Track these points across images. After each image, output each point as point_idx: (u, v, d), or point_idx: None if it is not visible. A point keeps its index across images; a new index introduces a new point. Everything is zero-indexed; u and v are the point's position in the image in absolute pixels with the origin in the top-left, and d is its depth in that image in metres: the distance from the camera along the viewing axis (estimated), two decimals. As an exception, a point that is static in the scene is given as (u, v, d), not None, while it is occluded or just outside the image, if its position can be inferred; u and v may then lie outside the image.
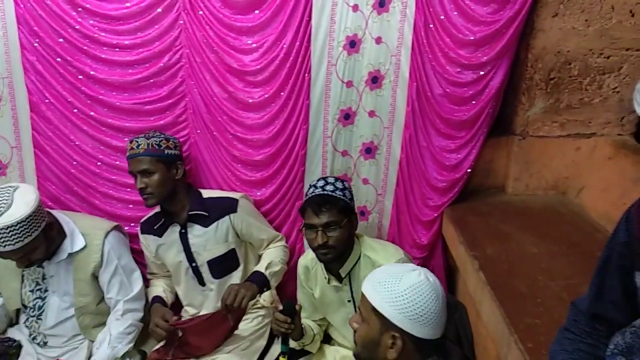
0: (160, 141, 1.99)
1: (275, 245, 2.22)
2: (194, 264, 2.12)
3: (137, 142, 1.97)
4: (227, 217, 2.07)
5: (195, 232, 2.08)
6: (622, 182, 1.87)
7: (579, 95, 2.05)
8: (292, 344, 1.91)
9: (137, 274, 2.13)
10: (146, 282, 2.23)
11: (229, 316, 1.93)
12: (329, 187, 1.77)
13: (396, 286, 1.22)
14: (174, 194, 2.04)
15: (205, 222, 2.07)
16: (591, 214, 1.99)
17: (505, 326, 1.37)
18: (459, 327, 1.88)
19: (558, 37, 1.97)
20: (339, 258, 1.80)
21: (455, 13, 1.95)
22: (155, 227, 2.12)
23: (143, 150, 1.96)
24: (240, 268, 2.17)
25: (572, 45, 1.98)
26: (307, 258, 1.99)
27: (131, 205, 2.34)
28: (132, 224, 2.33)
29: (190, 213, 2.07)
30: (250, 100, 2.15)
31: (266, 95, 2.14)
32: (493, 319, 1.48)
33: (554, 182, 2.18)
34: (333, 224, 1.73)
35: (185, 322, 2.02)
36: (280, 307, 1.73)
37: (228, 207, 2.09)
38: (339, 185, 1.79)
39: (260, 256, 2.21)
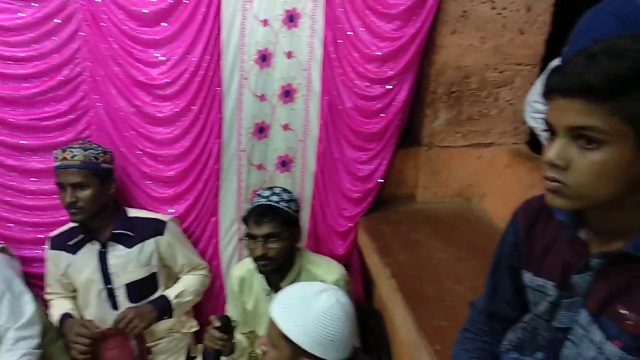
0: (97, 153, 1.90)
1: (195, 272, 2.15)
2: (109, 286, 2.00)
3: (71, 151, 1.86)
4: (153, 239, 2.00)
5: (117, 252, 1.98)
6: (519, 188, 2.02)
7: (478, 107, 2.20)
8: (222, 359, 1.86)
9: (28, 297, 1.96)
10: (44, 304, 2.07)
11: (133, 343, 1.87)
12: (274, 198, 1.76)
13: (307, 312, 1.21)
14: (101, 210, 1.93)
15: (129, 242, 1.97)
16: (493, 218, 2.13)
17: (416, 331, 1.42)
18: (376, 336, 1.92)
19: (457, 53, 2.10)
20: (279, 270, 1.78)
21: (362, 29, 2.01)
22: (69, 244, 1.98)
23: (79, 162, 1.85)
24: (159, 292, 2.08)
25: (470, 60, 2.12)
26: (243, 269, 1.94)
27: (30, 228, 2.17)
28: (31, 247, 2.16)
29: (114, 232, 1.96)
30: (159, 115, 2.08)
31: (176, 109, 2.08)
32: (405, 325, 1.52)
33: (459, 190, 2.31)
34: (274, 236, 1.71)
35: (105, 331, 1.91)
36: (217, 324, 1.66)
37: (155, 228, 2.02)
38: (285, 196, 1.77)
39: (177, 279, 2.14)
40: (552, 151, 0.75)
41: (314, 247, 2.28)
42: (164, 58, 2.04)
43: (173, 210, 2.22)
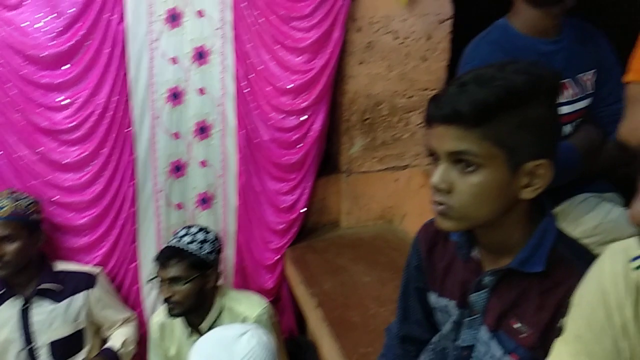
0: (28, 204, 1.81)
1: (128, 324, 2.06)
2: (31, 346, 1.85)
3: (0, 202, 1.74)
4: (82, 293, 1.90)
5: (42, 309, 1.84)
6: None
7: (391, 132, 2.28)
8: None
9: None
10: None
11: None
12: (186, 239, 1.70)
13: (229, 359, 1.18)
14: (27, 264, 1.81)
15: (56, 297, 1.86)
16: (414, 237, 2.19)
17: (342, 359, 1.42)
18: (309, 367, 1.90)
19: (366, 82, 2.18)
20: (190, 312, 1.72)
21: (273, 63, 2.04)
22: None
23: (7, 214, 1.74)
24: (85, 350, 1.95)
25: (379, 88, 2.20)
26: (163, 314, 1.85)
27: None
28: None
29: (39, 287, 1.83)
30: (67, 161, 1.99)
31: (85, 154, 1.99)
32: (332, 354, 1.52)
33: (380, 213, 2.36)
34: (179, 279, 1.65)
35: None
36: None
37: (85, 282, 1.92)
38: (200, 236, 1.72)
39: (108, 336, 2.02)
40: (436, 176, 0.79)
41: (242, 283, 2.24)
42: (68, 101, 1.96)
43: (88, 260, 2.10)
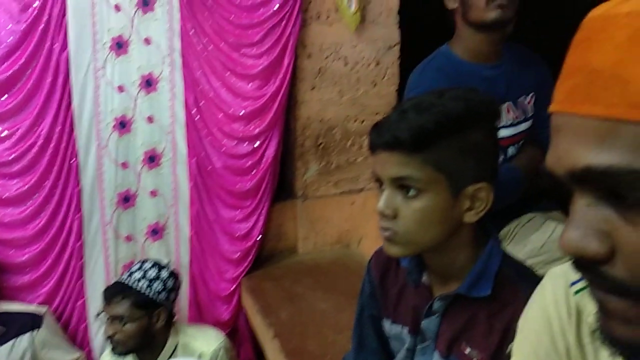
0: None
1: None
2: None
3: None
4: (27, 335, 1.80)
5: None
6: (390, 229, 2.10)
7: (345, 156, 2.29)
8: None
9: None
10: None
11: None
12: (136, 275, 1.63)
13: None
14: None
15: None
16: (371, 261, 2.18)
17: (299, 392, 1.38)
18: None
19: (319, 107, 2.19)
20: (138, 351, 1.64)
21: (224, 90, 2.02)
22: None
23: None
24: None
25: (332, 113, 2.22)
26: (111, 355, 1.75)
27: None
28: None
29: None
30: (6, 195, 1.89)
31: (26, 187, 1.90)
32: (289, 387, 1.47)
33: (337, 237, 2.35)
34: (121, 318, 1.57)
35: None
36: None
37: (30, 322, 1.82)
38: (152, 273, 1.64)
39: None
40: (381, 202, 0.79)
41: (197, 315, 2.17)
42: (7, 132, 1.87)
43: (31, 298, 1.99)
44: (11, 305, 1.88)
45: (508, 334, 0.74)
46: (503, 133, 1.27)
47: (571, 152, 0.36)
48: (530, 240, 1.25)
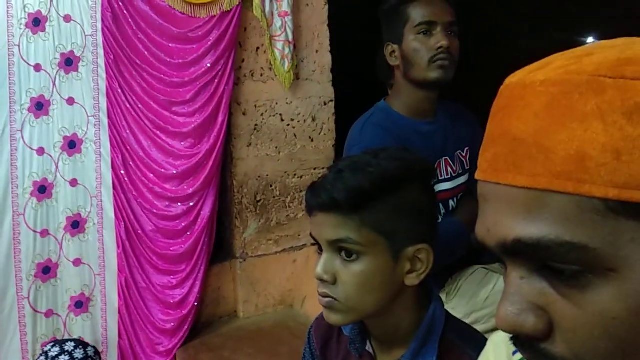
0: None
1: None
2: None
3: None
4: None
5: None
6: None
7: (285, 212, 2.23)
8: None
9: None
10: None
11: None
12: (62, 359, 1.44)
13: None
14: None
15: None
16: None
17: None
18: None
19: (256, 163, 2.15)
20: None
21: (154, 149, 1.94)
22: None
23: None
24: None
25: (269, 169, 2.18)
26: None
27: None
28: None
29: None
30: None
31: None
32: None
33: (280, 297, 2.26)
34: None
35: None
36: None
37: None
38: (79, 354, 1.51)
39: None
40: (319, 267, 0.74)
41: (128, 395, 1.97)
42: None
43: None
44: None
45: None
46: (443, 186, 1.27)
47: (500, 223, 0.34)
48: (475, 293, 1.23)
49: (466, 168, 1.36)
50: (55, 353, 1.50)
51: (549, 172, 0.31)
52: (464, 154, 1.36)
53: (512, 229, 0.33)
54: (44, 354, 1.52)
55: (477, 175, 0.37)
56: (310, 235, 0.78)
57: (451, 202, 1.33)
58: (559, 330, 0.33)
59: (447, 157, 1.32)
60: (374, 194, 0.71)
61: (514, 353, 0.51)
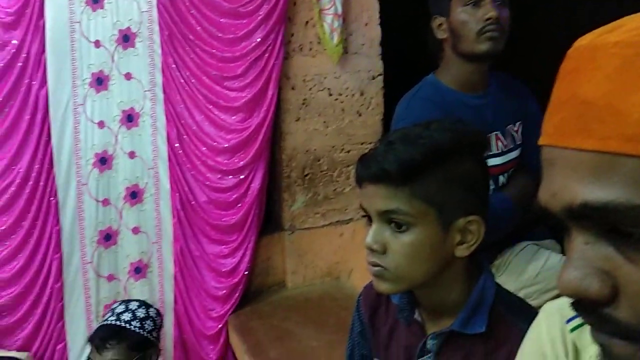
0: None
1: None
2: None
3: None
4: None
5: None
6: (380, 260, 2.06)
7: (332, 186, 2.26)
8: None
9: None
10: None
11: None
12: (125, 316, 1.54)
13: None
14: None
15: None
16: (361, 294, 2.13)
17: None
18: None
19: (304, 138, 2.17)
20: None
21: (207, 123, 2.00)
22: None
23: None
24: None
25: (318, 144, 2.20)
26: None
27: None
28: None
29: None
30: (-18, 236, 1.82)
31: (3, 227, 1.84)
32: None
33: (327, 269, 2.30)
34: None
35: None
36: None
37: None
38: (140, 313, 1.56)
39: None
40: (369, 237, 0.76)
41: (183, 356, 2.09)
42: (-17, 172, 1.82)
43: (9, 344, 1.90)
44: None
45: (506, 373, 0.71)
46: (493, 162, 1.25)
47: (567, 187, 0.34)
48: (524, 269, 1.22)
49: (517, 143, 1.33)
50: (121, 310, 1.60)
51: (620, 135, 0.31)
52: (515, 129, 1.33)
53: (580, 192, 0.33)
54: (110, 310, 1.62)
55: (542, 140, 0.37)
56: (360, 206, 0.80)
57: (501, 178, 1.31)
58: (624, 295, 0.33)
59: (497, 132, 1.30)
60: (424, 165, 0.72)
61: (568, 321, 0.51)
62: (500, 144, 1.28)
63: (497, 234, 1.19)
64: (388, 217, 0.74)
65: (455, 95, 1.27)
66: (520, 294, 1.22)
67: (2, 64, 1.78)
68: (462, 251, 0.74)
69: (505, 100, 1.30)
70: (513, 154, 1.31)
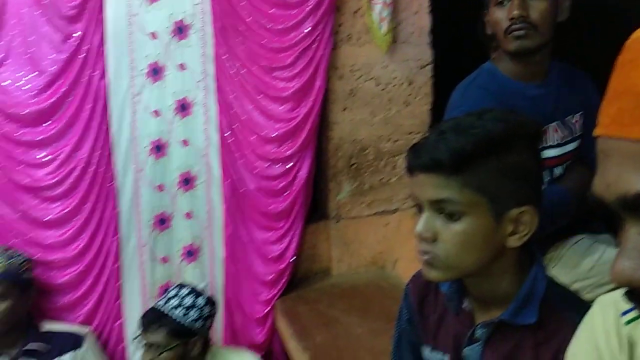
0: (21, 262, 1.78)
1: None
2: None
3: None
4: (69, 354, 1.83)
5: None
6: (426, 251, 2.06)
7: (378, 176, 2.26)
8: None
9: None
10: None
11: None
12: (172, 302, 1.63)
13: None
14: (15, 323, 1.76)
15: (42, 358, 1.79)
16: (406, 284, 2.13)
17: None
18: None
19: (350, 127, 2.18)
20: None
21: (257, 113, 2.04)
22: None
23: (0, 272, 1.71)
24: None
25: (364, 133, 2.21)
26: None
27: None
28: None
29: (25, 348, 1.77)
30: (48, 217, 1.95)
31: (67, 210, 1.95)
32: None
33: (372, 258, 2.32)
34: (158, 346, 1.58)
35: None
36: None
37: (72, 342, 1.86)
38: (188, 301, 1.63)
39: None
40: (420, 225, 0.77)
41: (231, 338, 2.16)
42: (49, 158, 1.93)
43: (69, 320, 2.03)
44: (55, 325, 1.93)
45: (556, 364, 0.71)
46: (550, 153, 1.23)
47: (622, 178, 0.34)
48: (578, 263, 1.19)
49: (577, 134, 1.29)
50: (172, 295, 1.67)
51: None
52: (575, 120, 1.29)
53: (634, 183, 0.33)
54: (164, 293, 1.71)
55: (598, 131, 0.38)
56: (411, 195, 0.81)
57: (557, 170, 1.28)
58: None
59: (556, 123, 1.27)
60: (476, 155, 0.72)
61: (623, 314, 0.51)
62: (558, 135, 1.25)
63: (551, 226, 1.17)
64: (439, 207, 0.75)
65: (512, 85, 1.25)
66: (573, 288, 1.20)
67: (66, 56, 1.87)
68: (514, 242, 0.74)
69: (565, 91, 1.27)
70: (571, 146, 1.28)
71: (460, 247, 0.74)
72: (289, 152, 2.06)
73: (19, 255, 1.81)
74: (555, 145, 1.24)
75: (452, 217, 0.74)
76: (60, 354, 1.82)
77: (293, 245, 2.14)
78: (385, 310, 1.92)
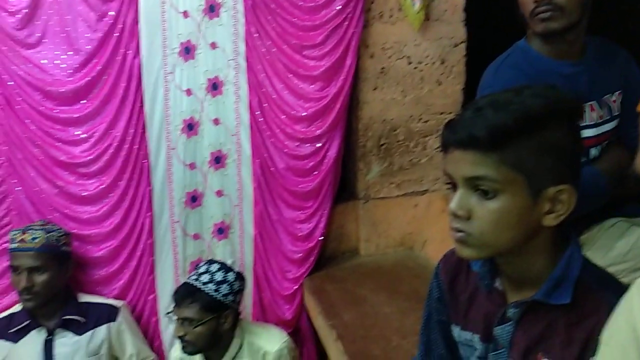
0: (60, 236, 1.86)
1: None
2: None
3: (32, 233, 1.79)
4: (105, 326, 1.90)
5: (65, 341, 1.85)
6: (455, 232, 2.04)
7: (408, 157, 2.24)
8: None
9: None
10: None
11: None
12: (204, 278, 1.67)
13: None
14: (54, 295, 1.83)
15: (79, 329, 1.86)
16: (435, 264, 2.12)
17: (363, 395, 1.36)
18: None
19: (381, 107, 2.16)
20: (207, 350, 1.70)
21: (287, 92, 2.05)
22: (10, 331, 1.84)
23: (40, 245, 1.78)
24: None
25: (395, 113, 2.18)
26: (180, 349, 1.81)
27: None
28: None
29: (64, 318, 1.84)
30: (85, 193, 2.00)
31: (102, 186, 2.01)
32: (352, 390, 1.46)
33: (400, 239, 2.31)
34: (191, 321, 1.63)
35: None
36: None
37: (108, 314, 1.93)
38: (219, 276, 1.67)
39: None
40: (454, 202, 0.76)
41: (260, 314, 2.20)
42: (85, 135, 1.98)
43: (106, 293, 2.10)
44: (91, 297, 1.99)
45: (589, 345, 0.70)
46: (586, 133, 1.19)
47: None
48: (613, 246, 1.16)
49: (614, 114, 1.25)
50: (202, 270, 1.71)
51: None
52: (613, 99, 1.25)
53: None
54: (195, 269, 1.75)
55: None
56: (445, 172, 0.80)
57: (593, 151, 1.25)
58: None
59: (592, 102, 1.23)
60: (515, 131, 0.71)
61: None
62: (595, 114, 1.21)
63: (585, 208, 1.14)
64: (474, 184, 0.74)
65: (546, 63, 1.21)
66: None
67: (101, 35, 1.90)
68: (550, 220, 0.73)
69: (602, 69, 1.23)
70: (608, 126, 1.24)
71: (495, 225, 0.73)
72: (318, 132, 2.06)
73: (57, 229, 1.88)
74: (591, 125, 1.20)
75: (487, 194, 0.73)
76: (96, 325, 1.89)
77: (321, 225, 2.15)
78: (413, 291, 1.92)
